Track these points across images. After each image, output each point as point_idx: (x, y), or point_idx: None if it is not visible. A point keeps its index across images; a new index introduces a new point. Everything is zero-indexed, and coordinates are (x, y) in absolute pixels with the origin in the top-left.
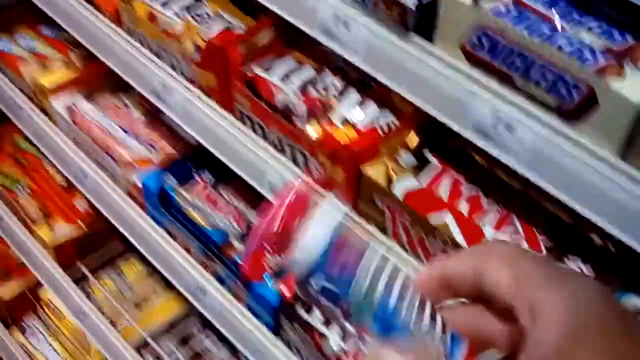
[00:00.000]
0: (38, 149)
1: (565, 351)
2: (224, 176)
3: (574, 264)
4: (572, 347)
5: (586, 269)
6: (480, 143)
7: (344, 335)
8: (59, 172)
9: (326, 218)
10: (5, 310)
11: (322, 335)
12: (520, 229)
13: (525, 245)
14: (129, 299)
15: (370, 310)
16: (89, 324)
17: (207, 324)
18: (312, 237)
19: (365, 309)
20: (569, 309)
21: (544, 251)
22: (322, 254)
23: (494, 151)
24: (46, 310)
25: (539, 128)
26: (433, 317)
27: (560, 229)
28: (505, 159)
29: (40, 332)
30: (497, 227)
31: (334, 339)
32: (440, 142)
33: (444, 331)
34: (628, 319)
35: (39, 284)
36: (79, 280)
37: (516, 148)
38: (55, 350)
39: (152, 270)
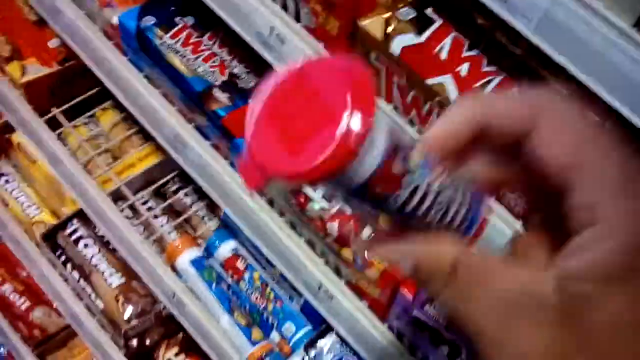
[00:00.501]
0: None
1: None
2: (208, 23)
3: None
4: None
5: None
6: (487, 1)
7: (327, 197)
8: (28, 5)
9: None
10: None
11: (306, 196)
12: None
13: None
14: (104, 148)
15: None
16: (63, 170)
17: (184, 179)
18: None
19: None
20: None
21: None
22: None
23: (501, 11)
24: (18, 154)
25: None
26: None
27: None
28: (512, 20)
29: (13, 177)
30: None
31: (318, 201)
32: (442, 1)
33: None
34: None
35: (11, 128)
36: (53, 126)
37: (525, 9)
38: (29, 197)
39: (129, 120)
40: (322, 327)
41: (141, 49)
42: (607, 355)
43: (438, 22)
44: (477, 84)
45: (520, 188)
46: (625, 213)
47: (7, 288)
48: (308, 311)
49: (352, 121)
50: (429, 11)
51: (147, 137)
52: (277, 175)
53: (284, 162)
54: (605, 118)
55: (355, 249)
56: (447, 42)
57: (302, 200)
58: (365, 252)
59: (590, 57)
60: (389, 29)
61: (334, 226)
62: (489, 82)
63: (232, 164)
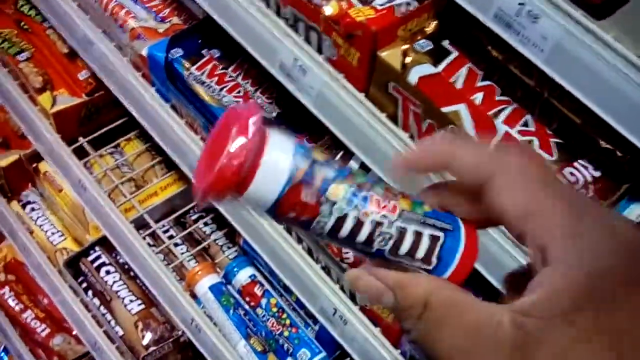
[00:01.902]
0: (40, 13)
1: (571, 318)
2: (233, 55)
3: (583, 168)
4: (578, 314)
5: (595, 174)
6: (501, 32)
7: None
8: (61, 39)
9: (281, 153)
10: (4, 182)
11: None
12: (532, 126)
13: (536, 143)
14: (127, 177)
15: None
16: (88, 197)
17: (204, 208)
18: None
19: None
20: (586, 272)
21: (554, 151)
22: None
23: (514, 42)
24: (45, 182)
25: (564, 20)
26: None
27: (571, 132)
28: (524, 50)
29: (39, 205)
30: (509, 121)
31: None
32: (458, 33)
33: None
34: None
35: (38, 157)
36: (79, 154)
37: (537, 40)
38: (53, 224)
39: (152, 149)
40: (336, 354)
41: (169, 80)
42: None
43: (454, 54)
44: (491, 112)
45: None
46: (572, 252)
47: (28, 315)
48: (323, 338)
49: (233, 147)
50: (445, 43)
51: (169, 166)
52: (199, 191)
53: (201, 182)
54: (614, 146)
55: (343, 284)
56: (462, 72)
57: None
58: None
59: (599, 86)
60: (407, 60)
61: (350, 251)
62: (501, 110)
63: None
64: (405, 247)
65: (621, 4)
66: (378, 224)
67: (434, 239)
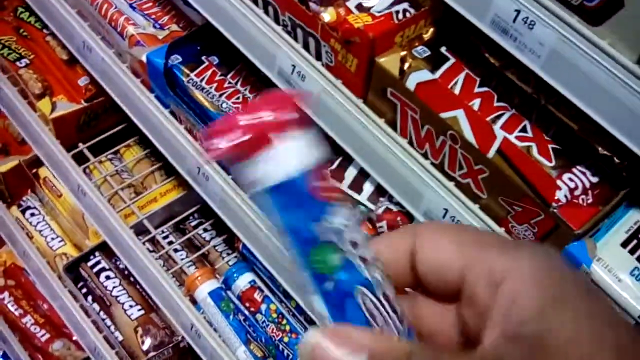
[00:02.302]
0: (39, 20)
1: (549, 317)
2: (231, 62)
3: (582, 174)
4: (555, 312)
5: (594, 180)
6: (497, 38)
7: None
8: (60, 45)
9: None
10: (4, 187)
11: None
12: (530, 132)
13: (534, 148)
14: (127, 183)
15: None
16: (88, 202)
17: (204, 214)
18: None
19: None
20: (541, 272)
21: (553, 157)
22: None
23: (511, 48)
24: (44, 188)
25: (560, 27)
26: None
27: (569, 138)
28: (521, 57)
29: (38, 211)
30: (507, 127)
31: None
32: (455, 40)
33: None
34: (586, 281)
35: (38, 163)
36: (79, 160)
37: (534, 46)
38: (53, 230)
39: (152, 155)
40: None
41: (168, 86)
42: None
43: (451, 60)
44: (489, 118)
45: None
46: (515, 262)
47: (27, 320)
48: None
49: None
50: (443, 50)
51: (168, 173)
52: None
53: (225, 129)
54: (612, 152)
55: (300, 351)
56: (460, 78)
57: None
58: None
59: (596, 92)
60: (405, 66)
61: None
62: (499, 116)
63: (252, 197)
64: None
65: (616, 10)
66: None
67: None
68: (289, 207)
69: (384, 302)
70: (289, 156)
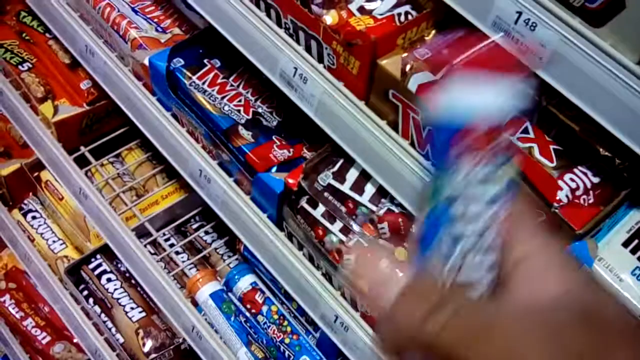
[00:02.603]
0: (42, 24)
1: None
2: (233, 65)
3: (583, 175)
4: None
5: (595, 180)
6: (500, 40)
7: (346, 232)
8: (62, 49)
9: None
10: (5, 191)
11: (325, 229)
12: (531, 132)
13: (535, 148)
14: (129, 186)
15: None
16: (89, 205)
17: (205, 217)
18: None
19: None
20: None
21: (554, 157)
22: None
23: (513, 50)
24: (46, 191)
25: (561, 28)
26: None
27: (570, 139)
28: (522, 58)
29: (40, 214)
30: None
31: (336, 234)
32: None
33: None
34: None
35: (40, 166)
36: (80, 163)
37: (535, 47)
38: (54, 233)
39: (153, 159)
40: None
41: (170, 89)
42: None
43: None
44: None
45: None
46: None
47: (28, 323)
48: (324, 345)
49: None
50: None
51: (170, 176)
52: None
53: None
54: (613, 152)
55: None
56: None
57: (320, 232)
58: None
59: (597, 93)
60: (407, 68)
61: (351, 258)
62: None
63: (253, 199)
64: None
65: (618, 12)
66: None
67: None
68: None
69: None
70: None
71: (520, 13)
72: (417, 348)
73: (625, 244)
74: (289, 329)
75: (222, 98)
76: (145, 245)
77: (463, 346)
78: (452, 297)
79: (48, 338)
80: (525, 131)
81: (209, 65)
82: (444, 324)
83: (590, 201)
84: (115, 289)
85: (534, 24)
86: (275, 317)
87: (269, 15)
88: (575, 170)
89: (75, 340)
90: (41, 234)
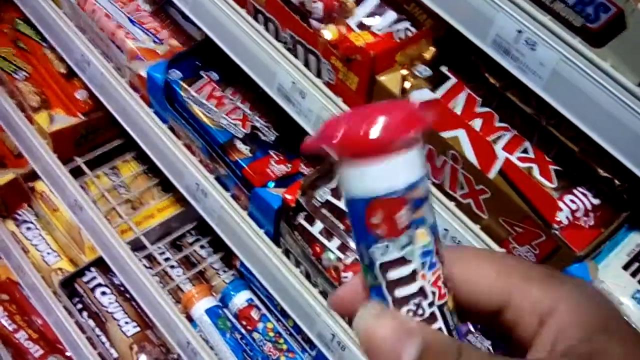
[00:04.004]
0: (38, 32)
1: (598, 342)
2: (230, 78)
3: (583, 196)
4: (603, 338)
5: (595, 202)
6: (499, 59)
7: (343, 249)
8: (58, 58)
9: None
10: (0, 201)
11: (322, 246)
12: (531, 153)
13: (535, 169)
14: (124, 198)
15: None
16: (84, 217)
17: (201, 232)
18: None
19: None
20: (586, 306)
21: (554, 178)
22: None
23: (512, 69)
24: (40, 202)
25: (561, 47)
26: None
27: (570, 160)
28: (523, 77)
29: (34, 225)
30: (508, 147)
31: (333, 251)
32: (456, 60)
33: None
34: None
35: (34, 176)
36: (75, 175)
37: (535, 67)
38: (48, 244)
39: (150, 172)
40: None
41: (167, 101)
42: None
43: (452, 80)
44: (490, 138)
45: None
46: (561, 298)
47: (21, 335)
48: None
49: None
50: (443, 69)
51: (166, 189)
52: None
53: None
54: (612, 174)
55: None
56: (461, 98)
57: (317, 249)
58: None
59: (597, 113)
60: (406, 85)
61: (348, 276)
62: (500, 137)
63: (250, 214)
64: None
65: (618, 32)
66: (423, 294)
67: None
68: (350, 220)
69: None
70: (361, 179)
71: (520, 32)
72: None
73: (626, 267)
74: (285, 346)
75: (220, 111)
76: (140, 259)
77: None
78: None
79: (41, 351)
80: (525, 151)
81: (206, 78)
82: None
83: (591, 223)
84: (110, 303)
85: (534, 43)
86: (271, 334)
87: (267, 29)
88: (575, 191)
89: (68, 354)
90: (35, 245)
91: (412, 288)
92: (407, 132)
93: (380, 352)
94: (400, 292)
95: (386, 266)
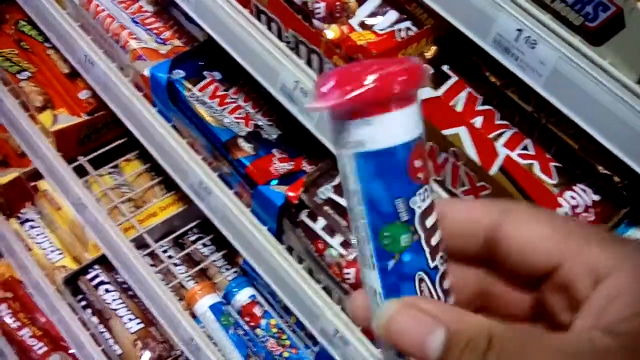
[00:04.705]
0: (41, 33)
1: None
2: (233, 77)
3: (583, 192)
4: None
5: (595, 198)
6: (499, 57)
7: (346, 246)
8: (61, 58)
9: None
10: (3, 200)
11: (325, 243)
12: (532, 150)
13: (536, 165)
14: (127, 197)
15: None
16: (88, 216)
17: (203, 229)
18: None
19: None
20: None
21: (554, 175)
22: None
23: (512, 67)
24: (44, 201)
25: (561, 46)
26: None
27: (569, 157)
28: (523, 75)
29: (37, 223)
30: (509, 145)
31: (336, 247)
32: (457, 59)
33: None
34: None
35: (38, 175)
36: (79, 173)
37: (535, 65)
38: (52, 243)
39: (152, 170)
40: None
41: (170, 100)
42: None
43: (454, 78)
44: (491, 136)
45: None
46: (621, 259)
47: (25, 333)
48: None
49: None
50: (445, 68)
51: (168, 187)
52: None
53: (346, 82)
54: (612, 170)
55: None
56: (462, 96)
57: (320, 246)
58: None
59: (596, 110)
60: None
61: (351, 272)
62: (501, 134)
63: (253, 212)
64: (447, 282)
65: (617, 30)
66: (443, 239)
67: None
68: (377, 178)
69: (441, 294)
70: (399, 125)
71: (520, 31)
72: None
73: None
74: (287, 342)
75: (223, 110)
76: (143, 257)
77: None
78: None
79: (44, 348)
80: (526, 148)
81: (209, 78)
82: None
83: (591, 219)
84: (113, 300)
85: (534, 42)
86: (274, 330)
87: (270, 29)
88: (575, 187)
89: (71, 351)
90: (39, 243)
91: (438, 234)
92: (425, 71)
93: (404, 343)
94: (434, 240)
95: (425, 214)
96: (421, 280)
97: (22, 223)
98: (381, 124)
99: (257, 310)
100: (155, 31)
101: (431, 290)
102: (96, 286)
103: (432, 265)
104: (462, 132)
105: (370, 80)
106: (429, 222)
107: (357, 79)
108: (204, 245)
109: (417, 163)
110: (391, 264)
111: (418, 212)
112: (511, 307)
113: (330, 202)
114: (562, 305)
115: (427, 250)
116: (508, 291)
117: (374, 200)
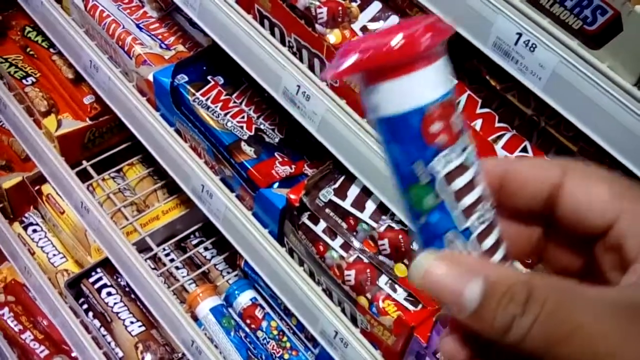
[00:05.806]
0: (46, 39)
1: None
2: (236, 82)
3: None
4: None
5: None
6: (499, 61)
7: (346, 248)
8: (66, 64)
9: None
10: (6, 204)
11: (326, 245)
12: (531, 152)
13: None
14: (130, 201)
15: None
16: (90, 219)
17: (205, 233)
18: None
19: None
20: None
21: None
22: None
23: (512, 71)
24: (47, 205)
25: (560, 50)
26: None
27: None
28: (522, 78)
29: (40, 227)
30: (508, 147)
31: (337, 249)
32: (457, 62)
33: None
34: None
35: (41, 179)
36: (82, 178)
37: (535, 69)
38: (55, 246)
39: (154, 174)
40: None
41: (174, 105)
42: None
43: (453, 82)
44: (490, 139)
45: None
46: None
47: (27, 336)
48: None
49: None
50: None
51: (170, 191)
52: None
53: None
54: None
55: (411, 273)
56: (462, 99)
57: (321, 248)
58: (417, 278)
59: (595, 113)
60: None
61: (351, 274)
62: (500, 137)
63: (255, 215)
64: (489, 241)
65: (615, 34)
66: (485, 197)
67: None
68: (393, 142)
69: (476, 254)
70: (407, 91)
71: (520, 34)
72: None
73: None
74: (288, 344)
75: (225, 114)
76: (145, 260)
77: (545, 351)
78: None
79: (46, 352)
80: (524, 150)
81: (212, 82)
82: (526, 331)
83: None
84: (115, 303)
85: (534, 45)
86: (275, 332)
87: (273, 34)
88: None
89: (73, 354)
90: (42, 247)
91: (474, 194)
92: (445, 31)
93: (443, 293)
94: (466, 201)
95: (450, 177)
96: (451, 241)
97: (25, 227)
98: (390, 90)
99: (258, 313)
100: (159, 37)
101: (461, 250)
102: (98, 289)
103: (462, 226)
104: None
105: (365, 48)
106: (460, 183)
107: (355, 47)
108: (206, 248)
109: (435, 127)
110: (421, 222)
111: (439, 176)
112: (563, 266)
113: (331, 204)
114: (613, 265)
115: (454, 212)
116: (562, 250)
117: (395, 163)
